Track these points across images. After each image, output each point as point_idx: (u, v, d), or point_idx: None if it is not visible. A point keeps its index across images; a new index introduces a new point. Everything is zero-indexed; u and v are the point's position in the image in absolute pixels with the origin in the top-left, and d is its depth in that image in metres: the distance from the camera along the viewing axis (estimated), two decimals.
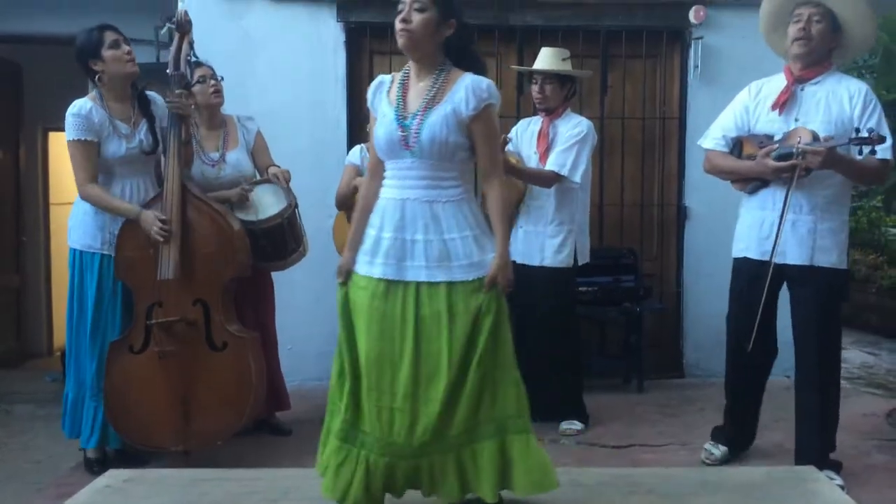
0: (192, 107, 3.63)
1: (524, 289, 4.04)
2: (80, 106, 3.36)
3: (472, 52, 2.59)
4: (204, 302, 3.36)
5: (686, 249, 5.08)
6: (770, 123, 3.20)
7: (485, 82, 2.46)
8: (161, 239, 3.28)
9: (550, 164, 3.85)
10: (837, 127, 3.06)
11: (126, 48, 3.38)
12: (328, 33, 4.88)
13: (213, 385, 3.33)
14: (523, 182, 3.95)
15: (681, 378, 5.05)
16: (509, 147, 4.04)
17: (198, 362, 3.33)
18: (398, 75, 2.59)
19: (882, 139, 2.94)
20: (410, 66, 2.55)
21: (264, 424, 3.94)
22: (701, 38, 4.90)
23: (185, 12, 3.52)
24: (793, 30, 3.15)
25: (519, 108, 4.95)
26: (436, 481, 2.46)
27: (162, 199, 3.34)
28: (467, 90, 2.44)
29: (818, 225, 3.12)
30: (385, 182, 2.54)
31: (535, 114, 4.22)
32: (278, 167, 3.84)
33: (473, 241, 2.46)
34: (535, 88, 3.98)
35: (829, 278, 3.14)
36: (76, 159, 3.34)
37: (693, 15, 4.89)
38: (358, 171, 4.05)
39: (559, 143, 3.87)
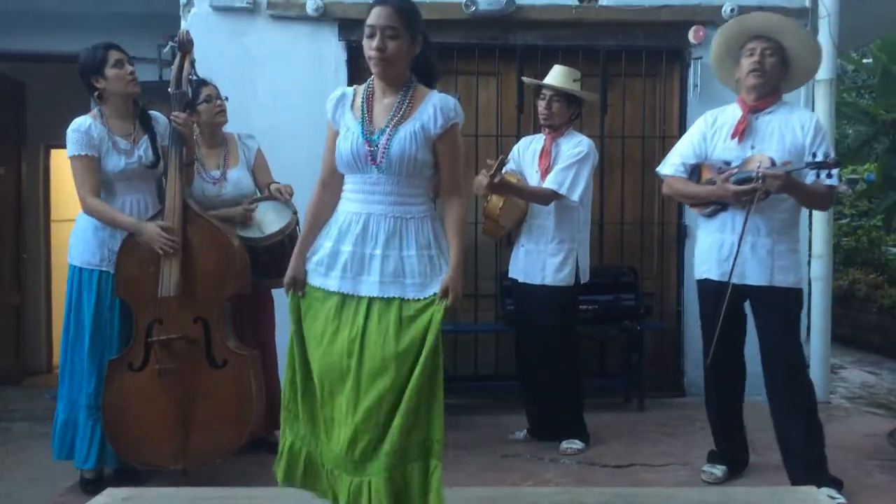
0: (195, 125, 3.65)
1: (525, 307, 4.06)
2: (80, 123, 3.39)
3: (434, 64, 2.63)
4: (204, 319, 3.36)
5: (686, 268, 5.07)
6: (727, 151, 3.34)
7: (451, 101, 2.52)
8: (168, 251, 3.27)
9: (549, 183, 3.86)
10: (791, 154, 3.22)
11: (129, 68, 3.41)
12: (329, 52, 4.91)
13: (212, 402, 3.32)
14: (523, 200, 3.96)
15: (681, 397, 5.04)
16: (510, 166, 4.05)
17: (198, 380, 3.32)
18: (360, 89, 2.60)
19: (838, 163, 3.14)
20: (374, 81, 2.57)
21: (263, 442, 3.91)
22: (700, 58, 4.92)
23: (187, 32, 3.55)
24: (748, 63, 3.30)
25: (519, 127, 4.97)
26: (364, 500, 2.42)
27: (163, 215, 3.35)
28: (436, 109, 2.49)
29: (776, 246, 3.27)
30: (346, 195, 2.56)
31: (535, 131, 4.24)
32: (279, 184, 3.85)
33: (429, 261, 2.49)
34: (541, 104, 3.99)
35: (788, 297, 3.29)
36: (78, 174, 3.36)
37: (692, 35, 4.92)
38: None
39: (560, 162, 3.89)
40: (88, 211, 3.38)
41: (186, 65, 3.49)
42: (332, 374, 2.46)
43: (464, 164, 2.60)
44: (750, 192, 3.14)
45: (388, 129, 2.47)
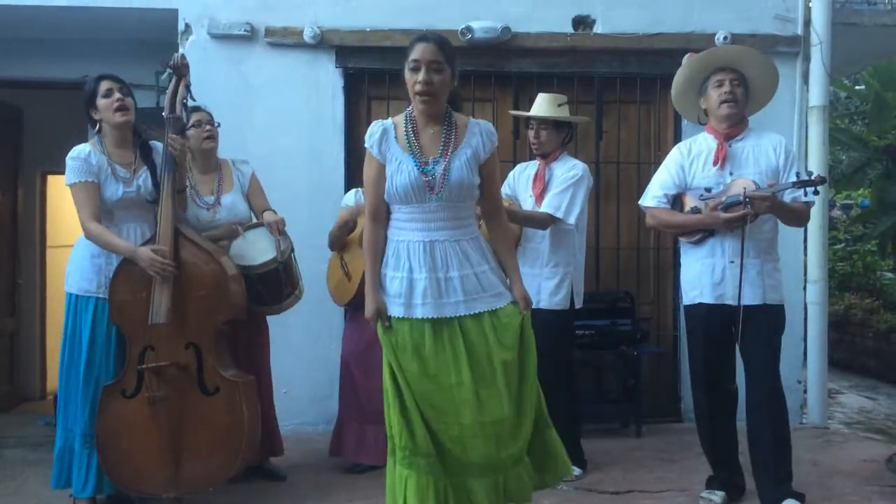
0: (188, 150, 3.65)
1: None
2: (79, 150, 3.40)
3: (458, 94, 2.80)
4: (196, 346, 3.34)
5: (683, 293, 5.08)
6: (707, 178, 3.44)
7: (490, 125, 2.74)
8: (163, 275, 3.26)
9: (545, 207, 3.88)
10: (768, 176, 3.35)
11: (116, 96, 3.38)
12: (327, 79, 4.95)
13: (205, 430, 3.29)
14: (518, 224, 3.97)
15: (679, 422, 5.01)
16: (506, 191, 4.07)
17: (189, 407, 3.30)
18: (400, 120, 2.69)
19: (823, 180, 3.29)
20: (414, 113, 2.66)
21: (258, 470, 3.89)
22: None
23: (182, 56, 3.56)
24: (718, 93, 3.44)
25: (515, 153, 4.99)
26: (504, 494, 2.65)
27: (155, 241, 3.33)
28: (482, 134, 2.69)
29: (763, 266, 3.38)
30: (399, 225, 2.66)
31: (530, 158, 4.26)
32: (274, 212, 3.83)
33: (493, 273, 2.71)
34: (531, 134, 4.03)
35: (776, 313, 3.40)
36: (79, 199, 3.35)
37: (686, 61, 4.95)
38: (349, 214, 4.06)
39: (554, 186, 3.91)
40: (89, 235, 3.37)
41: (181, 89, 3.49)
42: (443, 396, 2.58)
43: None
44: (740, 219, 3.24)
45: (441, 159, 2.61)
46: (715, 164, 3.42)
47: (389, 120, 2.71)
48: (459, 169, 2.60)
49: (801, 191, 3.26)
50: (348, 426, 4.03)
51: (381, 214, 2.69)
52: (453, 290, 2.60)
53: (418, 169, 2.59)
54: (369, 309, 2.68)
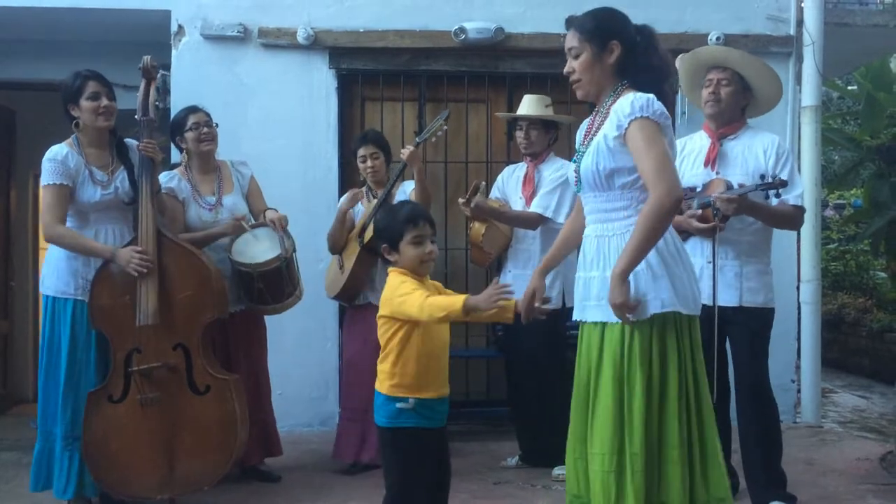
0: (184, 152, 3.64)
1: (514, 332, 4.05)
2: (56, 151, 3.35)
3: (650, 61, 2.42)
4: (184, 346, 3.32)
5: None
6: (695, 177, 3.43)
7: (631, 98, 2.33)
8: (143, 270, 3.22)
9: (534, 207, 3.89)
10: (752, 177, 3.31)
11: (104, 102, 3.34)
12: (320, 80, 4.94)
13: (197, 429, 3.28)
14: (508, 225, 3.98)
15: None
16: (496, 194, 4.08)
17: (180, 407, 3.29)
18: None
19: (784, 183, 3.19)
20: None
21: (252, 471, 3.88)
22: None
23: (151, 58, 3.51)
24: (704, 93, 3.44)
25: (509, 153, 5.00)
26: None
27: (136, 243, 3.31)
28: (615, 113, 2.34)
29: (744, 268, 3.35)
30: None
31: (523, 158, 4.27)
32: (275, 211, 3.83)
33: (631, 278, 2.30)
34: (520, 134, 4.05)
35: (757, 316, 3.35)
36: (46, 202, 3.32)
37: (678, 63, 4.97)
38: (348, 215, 4.06)
39: (543, 186, 3.92)
40: (50, 238, 3.32)
41: (152, 91, 3.47)
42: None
43: (660, 157, 2.28)
44: (710, 230, 3.22)
45: (584, 148, 2.44)
46: (707, 163, 3.42)
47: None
48: (588, 157, 2.39)
49: (774, 192, 3.24)
50: (351, 426, 4.03)
51: (579, 207, 2.60)
52: (587, 292, 2.43)
53: (574, 161, 2.50)
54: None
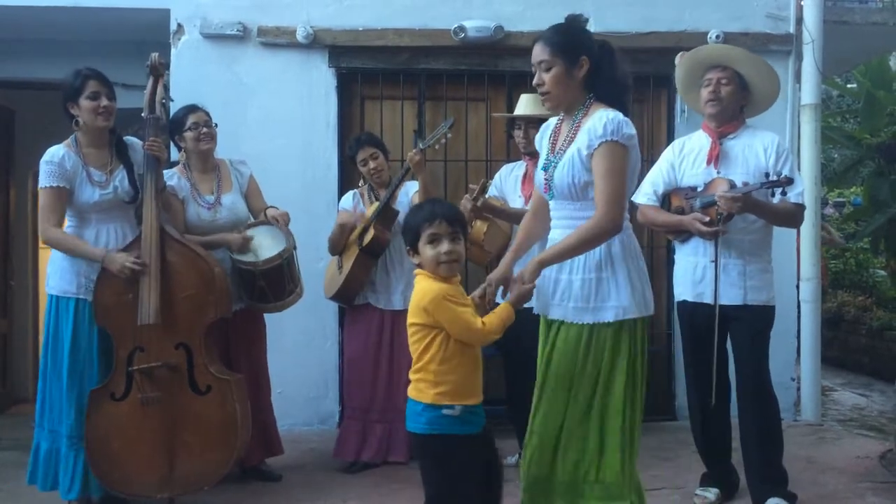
0: (182, 151, 3.63)
1: (512, 331, 4.04)
2: (53, 153, 3.34)
3: (614, 75, 2.56)
4: (186, 345, 3.33)
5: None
6: (695, 177, 3.45)
7: (605, 118, 2.45)
8: (136, 269, 3.22)
9: None
10: (755, 176, 3.32)
11: (104, 102, 3.34)
12: (320, 79, 4.93)
13: (198, 429, 3.29)
14: (508, 224, 3.97)
15: (673, 420, 5.02)
16: (493, 192, 4.08)
17: (182, 407, 3.29)
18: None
19: (790, 181, 3.23)
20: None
21: (253, 471, 3.88)
22: None
23: (158, 56, 3.51)
24: (704, 93, 3.45)
25: (509, 151, 4.99)
26: None
27: (140, 242, 3.31)
28: (589, 130, 2.46)
29: (747, 267, 3.37)
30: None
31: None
32: (276, 208, 3.83)
33: (596, 284, 2.53)
34: (518, 134, 4.04)
35: (760, 314, 3.37)
36: (43, 204, 3.32)
37: (678, 61, 4.97)
38: (349, 217, 4.06)
39: None
40: (46, 240, 3.34)
41: (159, 89, 3.47)
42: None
43: (617, 187, 2.47)
44: (713, 235, 3.27)
45: (554, 157, 2.54)
46: (708, 162, 3.42)
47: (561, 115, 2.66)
48: (562, 167, 2.51)
49: (780, 190, 3.26)
50: (352, 424, 4.03)
51: (537, 209, 2.75)
52: (552, 292, 2.62)
53: (542, 168, 2.61)
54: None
